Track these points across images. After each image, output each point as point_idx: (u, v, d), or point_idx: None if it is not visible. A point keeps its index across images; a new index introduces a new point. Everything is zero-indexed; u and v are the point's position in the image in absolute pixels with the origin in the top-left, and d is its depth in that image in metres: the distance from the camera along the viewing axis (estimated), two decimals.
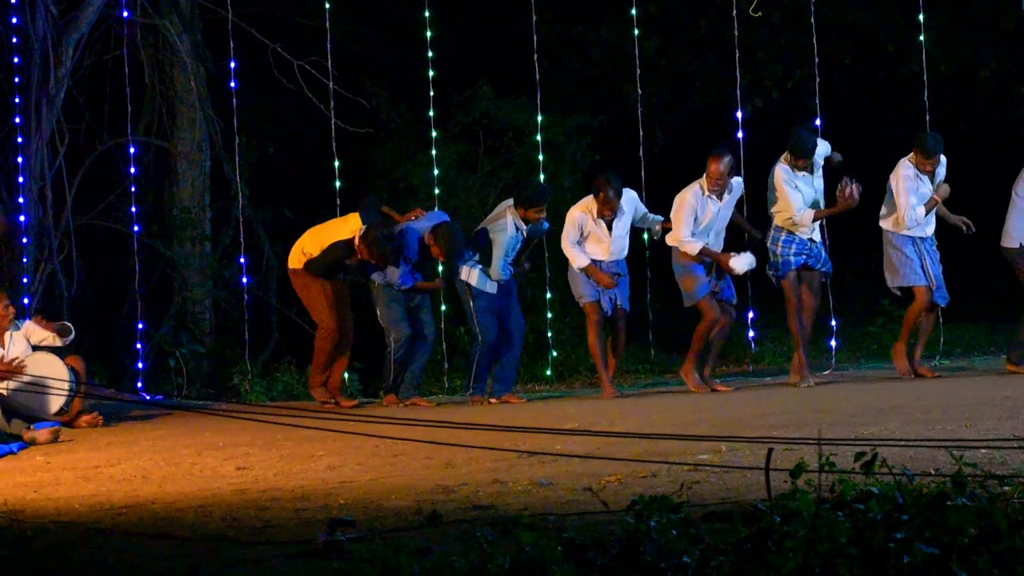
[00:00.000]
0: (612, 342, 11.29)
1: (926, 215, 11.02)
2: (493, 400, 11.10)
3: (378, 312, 11.21)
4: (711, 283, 11.03)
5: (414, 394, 11.30)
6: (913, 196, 11.00)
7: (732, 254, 11.00)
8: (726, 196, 11.00)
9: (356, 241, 10.94)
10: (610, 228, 11.01)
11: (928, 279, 11.06)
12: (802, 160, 10.93)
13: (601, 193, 10.89)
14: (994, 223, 11.28)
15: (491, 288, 11.08)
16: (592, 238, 11.03)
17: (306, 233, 11.43)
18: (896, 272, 11.16)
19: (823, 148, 11.16)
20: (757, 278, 11.73)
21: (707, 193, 10.90)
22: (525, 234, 11.16)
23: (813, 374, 11.27)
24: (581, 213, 11.03)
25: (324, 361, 11.27)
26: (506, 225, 11.02)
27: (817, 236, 11.20)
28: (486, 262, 11.03)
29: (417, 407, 11.04)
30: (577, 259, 10.99)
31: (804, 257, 11.08)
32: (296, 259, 11.32)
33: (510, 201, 11.15)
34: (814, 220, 11.05)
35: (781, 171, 10.98)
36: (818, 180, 11.10)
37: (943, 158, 11.13)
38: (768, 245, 11.14)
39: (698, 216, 10.91)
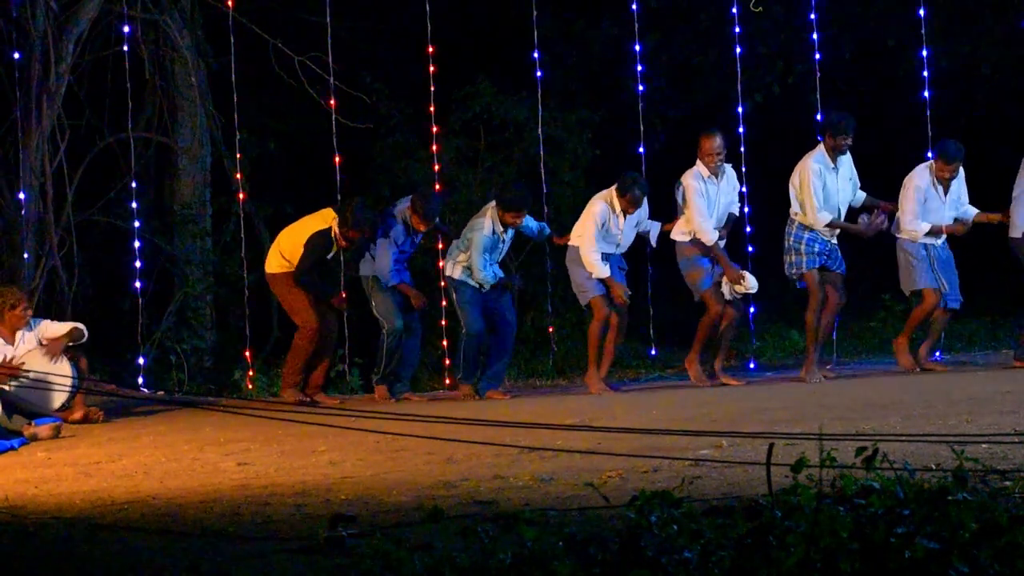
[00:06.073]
0: (609, 337, 11.20)
1: (928, 235, 11.00)
2: (477, 397, 11.06)
3: (372, 304, 11.22)
4: (715, 274, 11.03)
5: (407, 389, 11.31)
6: (919, 206, 10.97)
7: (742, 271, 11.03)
8: (722, 181, 10.99)
9: (335, 228, 10.96)
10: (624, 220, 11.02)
11: (939, 283, 11.05)
12: (841, 138, 10.80)
13: (629, 194, 10.88)
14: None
15: (473, 281, 11.06)
16: (607, 233, 11.01)
17: (280, 235, 11.40)
18: (908, 276, 11.16)
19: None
20: (758, 276, 11.70)
21: (707, 175, 10.90)
22: (504, 237, 11.11)
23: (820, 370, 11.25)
24: (603, 205, 10.97)
25: (302, 362, 11.14)
26: (483, 225, 10.99)
27: (835, 240, 11.11)
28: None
29: (408, 402, 11.06)
30: (599, 269, 10.94)
31: (825, 258, 11.00)
32: (274, 263, 11.25)
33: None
34: (828, 225, 10.94)
35: (813, 164, 10.84)
36: (846, 169, 10.95)
37: (962, 171, 11.08)
38: (790, 244, 11.03)
39: (708, 198, 10.91)
